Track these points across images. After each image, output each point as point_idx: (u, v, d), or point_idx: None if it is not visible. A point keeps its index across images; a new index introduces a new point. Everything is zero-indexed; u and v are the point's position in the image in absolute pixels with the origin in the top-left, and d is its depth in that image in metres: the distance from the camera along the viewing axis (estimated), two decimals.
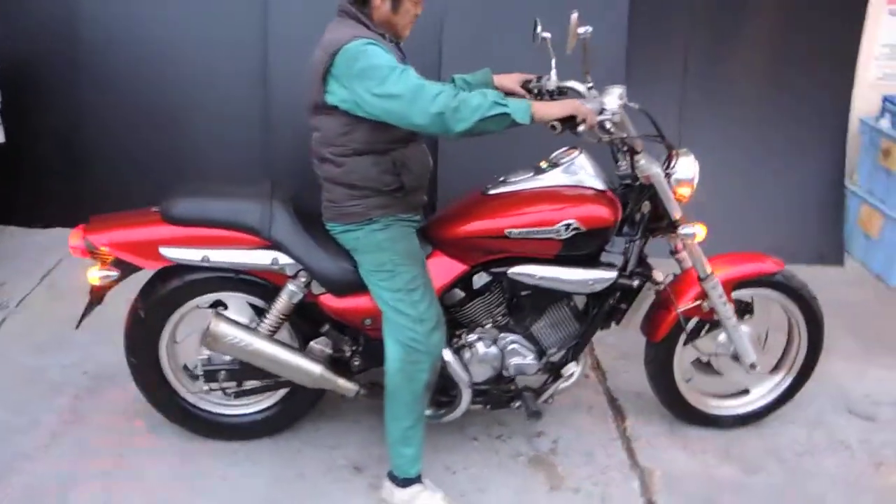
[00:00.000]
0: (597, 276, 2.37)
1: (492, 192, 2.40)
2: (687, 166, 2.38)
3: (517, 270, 2.34)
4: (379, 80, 1.99)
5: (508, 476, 2.53)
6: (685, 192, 2.41)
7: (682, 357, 2.68)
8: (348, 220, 2.22)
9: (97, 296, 2.36)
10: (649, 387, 2.76)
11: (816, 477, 2.61)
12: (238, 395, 2.48)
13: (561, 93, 2.40)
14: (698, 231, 2.38)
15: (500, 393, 2.51)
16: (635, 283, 2.42)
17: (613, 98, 2.20)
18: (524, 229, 2.28)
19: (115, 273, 2.29)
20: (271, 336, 2.35)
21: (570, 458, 2.62)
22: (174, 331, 2.46)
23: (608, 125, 2.17)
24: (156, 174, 3.89)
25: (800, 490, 2.54)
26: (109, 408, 2.75)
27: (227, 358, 2.42)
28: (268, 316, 2.34)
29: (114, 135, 3.87)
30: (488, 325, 2.46)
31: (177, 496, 2.38)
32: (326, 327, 2.37)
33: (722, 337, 2.63)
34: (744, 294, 2.63)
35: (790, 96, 4.07)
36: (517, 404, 2.51)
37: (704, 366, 2.76)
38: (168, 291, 2.35)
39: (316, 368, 2.35)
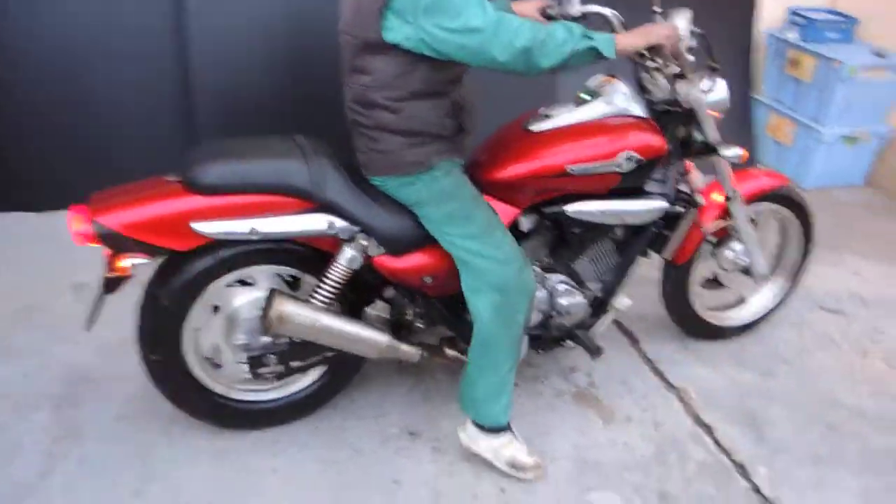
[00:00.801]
0: (651, 206, 2.34)
1: (535, 128, 2.26)
2: (722, 88, 2.37)
3: (577, 208, 2.24)
4: (453, 12, 1.77)
5: (561, 416, 2.49)
6: (717, 114, 2.41)
7: (697, 275, 2.75)
8: (406, 171, 1.99)
9: (111, 288, 1.97)
10: (663, 307, 2.81)
11: (819, 373, 2.81)
12: (280, 377, 2.21)
13: (584, 17, 2.29)
14: (741, 152, 2.40)
15: (551, 335, 2.43)
16: (679, 208, 2.42)
17: (684, 22, 2.12)
18: (586, 164, 2.18)
19: (144, 259, 1.93)
20: (329, 308, 2.10)
21: (609, 388, 2.63)
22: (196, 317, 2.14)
23: (685, 50, 2.10)
24: (60, 145, 3.33)
25: (811, 387, 2.72)
26: (103, 415, 2.36)
27: (267, 339, 2.14)
28: (323, 286, 2.08)
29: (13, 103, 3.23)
30: (535, 268, 2.36)
31: (230, 500, 2.11)
32: (392, 291, 2.16)
33: (729, 252, 2.71)
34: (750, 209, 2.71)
35: (697, 14, 4.17)
36: (570, 344, 2.45)
37: (710, 282, 2.84)
38: (197, 272, 2.02)
39: (383, 338, 2.13)
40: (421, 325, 2.22)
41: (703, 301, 2.83)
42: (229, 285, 2.13)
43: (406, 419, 2.41)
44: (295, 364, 2.18)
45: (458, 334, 2.30)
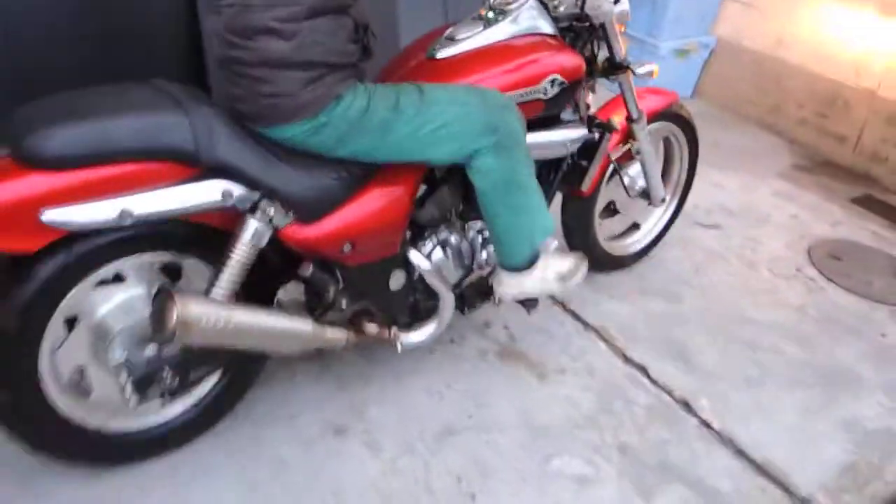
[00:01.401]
0: (573, 135, 2.11)
1: (442, 54, 1.92)
2: None
3: None
4: None
5: (492, 378, 2.23)
6: (622, 27, 2.20)
7: (599, 206, 2.58)
8: (311, 113, 1.56)
9: None
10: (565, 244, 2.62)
11: (719, 290, 2.78)
12: (172, 393, 1.74)
13: None
14: (654, 67, 2.22)
15: (475, 290, 2.15)
16: (596, 135, 2.20)
17: None
18: (509, 93, 1.88)
19: None
20: (237, 300, 1.66)
21: (531, 339, 2.40)
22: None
23: None
24: None
25: (718, 306, 2.69)
26: None
27: (152, 350, 1.66)
28: (224, 274, 1.62)
29: None
30: (452, 218, 2.05)
31: None
32: (310, 269, 1.74)
33: (627, 177, 2.55)
34: None
35: None
36: (496, 299, 2.16)
37: (605, 210, 2.68)
38: (51, 278, 1.49)
39: (307, 326, 1.72)
40: (344, 305, 1.83)
41: (601, 231, 2.68)
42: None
43: (326, 414, 2.03)
44: (195, 375, 1.73)
45: (380, 306, 1.95)
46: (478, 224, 2.07)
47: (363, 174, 1.74)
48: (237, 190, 1.57)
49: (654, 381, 2.30)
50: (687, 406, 2.23)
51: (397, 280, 1.93)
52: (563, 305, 2.57)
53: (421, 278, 1.99)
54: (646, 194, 2.58)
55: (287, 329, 1.68)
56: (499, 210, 1.86)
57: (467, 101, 1.73)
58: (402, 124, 1.65)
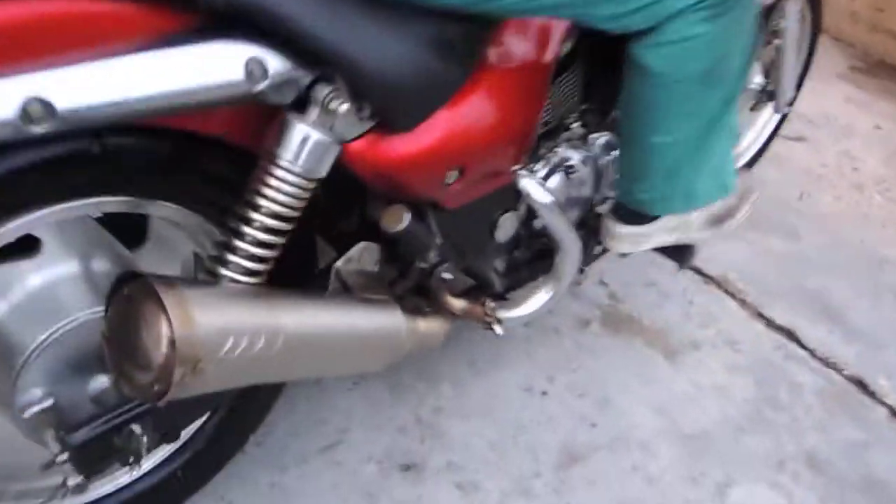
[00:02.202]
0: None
1: None
2: None
3: None
4: None
5: (606, 360, 1.53)
6: None
7: None
8: None
9: None
10: None
11: (836, 221, 2.15)
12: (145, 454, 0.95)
13: None
14: None
15: (593, 236, 1.40)
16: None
17: None
18: None
19: None
20: (265, 282, 0.86)
21: (640, 298, 1.70)
22: None
23: None
24: None
25: (844, 243, 2.06)
26: None
27: (97, 388, 0.86)
28: (245, 235, 0.82)
29: None
30: (573, 124, 1.29)
31: None
32: (406, 218, 0.94)
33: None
34: None
35: None
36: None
37: None
38: None
39: (398, 320, 0.94)
40: (448, 274, 1.05)
41: None
42: None
43: (384, 440, 1.28)
44: (185, 421, 0.94)
45: (479, 269, 1.19)
46: (604, 136, 1.32)
47: (478, 40, 0.96)
48: (274, 61, 0.76)
49: (811, 353, 1.66)
50: (864, 388, 1.61)
51: (507, 226, 1.18)
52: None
53: (529, 220, 1.24)
54: (768, 93, 1.88)
55: (373, 333, 0.90)
56: (677, 117, 1.09)
57: None
58: None
